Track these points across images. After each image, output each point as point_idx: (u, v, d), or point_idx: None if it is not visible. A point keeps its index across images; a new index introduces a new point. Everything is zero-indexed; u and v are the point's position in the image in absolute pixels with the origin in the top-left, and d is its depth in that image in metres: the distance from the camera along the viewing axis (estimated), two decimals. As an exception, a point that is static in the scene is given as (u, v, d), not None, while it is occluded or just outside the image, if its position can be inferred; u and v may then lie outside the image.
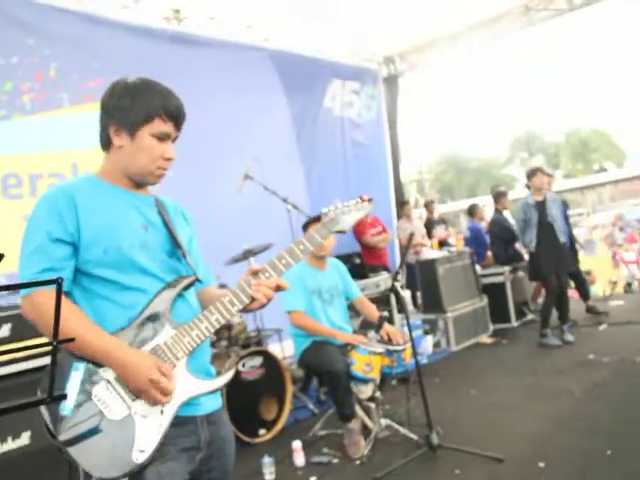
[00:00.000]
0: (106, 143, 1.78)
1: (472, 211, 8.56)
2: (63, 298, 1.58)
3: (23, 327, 3.47)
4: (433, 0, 7.77)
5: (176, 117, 1.77)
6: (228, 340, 4.60)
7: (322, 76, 8.37)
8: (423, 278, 7.04)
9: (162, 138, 1.74)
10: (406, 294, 7.99)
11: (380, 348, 3.80)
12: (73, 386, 1.52)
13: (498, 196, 8.11)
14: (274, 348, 5.22)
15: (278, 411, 4.40)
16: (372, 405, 4.00)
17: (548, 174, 7.16)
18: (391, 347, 3.83)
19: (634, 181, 29.62)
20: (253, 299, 1.74)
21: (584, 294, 7.20)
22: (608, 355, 5.36)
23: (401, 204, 9.17)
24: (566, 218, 7.08)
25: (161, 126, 1.73)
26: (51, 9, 5.53)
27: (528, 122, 46.00)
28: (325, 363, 3.79)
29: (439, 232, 9.14)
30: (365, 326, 4.91)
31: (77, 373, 1.54)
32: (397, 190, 9.69)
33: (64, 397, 1.44)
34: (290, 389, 4.46)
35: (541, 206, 6.28)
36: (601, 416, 3.89)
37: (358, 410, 3.95)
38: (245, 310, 1.77)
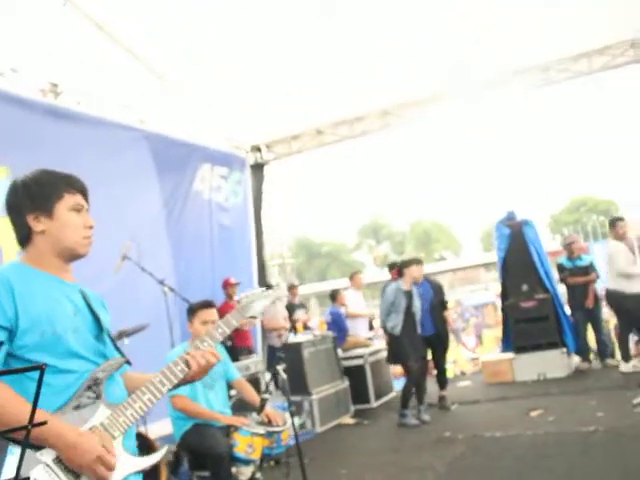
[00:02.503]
0: (25, 237, 1.85)
1: (334, 296, 8.97)
2: (3, 385, 1.60)
3: None
4: (297, 98, 8.38)
5: (81, 189, 1.92)
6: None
7: (193, 160, 8.55)
8: (289, 361, 7.19)
9: (78, 209, 1.88)
10: (267, 377, 8.10)
11: (262, 430, 3.90)
12: (10, 471, 1.52)
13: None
14: (140, 430, 5.09)
15: (152, 498, 4.28)
16: (252, 487, 4.04)
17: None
18: (272, 429, 3.94)
19: (469, 269, 32.32)
20: (189, 366, 1.87)
21: (441, 383, 7.39)
22: (462, 432, 5.81)
23: (266, 287, 9.36)
24: (442, 302, 7.46)
25: (72, 199, 1.87)
26: None
27: (376, 211, 48.99)
28: (208, 445, 3.80)
29: (300, 315, 9.42)
30: (240, 407, 4.96)
31: (13, 457, 1.54)
32: (260, 273, 9.92)
33: None
34: (165, 473, 4.38)
35: (409, 295, 6.73)
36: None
37: (238, 493, 3.97)
38: (183, 382, 1.89)
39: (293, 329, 8.36)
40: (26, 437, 1.21)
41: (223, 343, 6.34)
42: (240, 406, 4.93)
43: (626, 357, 7.45)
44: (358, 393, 7.72)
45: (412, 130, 11.85)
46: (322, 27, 7.10)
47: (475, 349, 13.92)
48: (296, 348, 7.08)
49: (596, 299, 8.25)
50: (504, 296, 8.82)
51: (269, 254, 10.69)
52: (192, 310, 4.26)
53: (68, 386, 1.71)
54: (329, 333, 8.08)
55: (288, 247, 11.51)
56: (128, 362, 1.89)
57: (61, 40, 6.31)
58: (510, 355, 8.42)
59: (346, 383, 7.62)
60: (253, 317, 2.18)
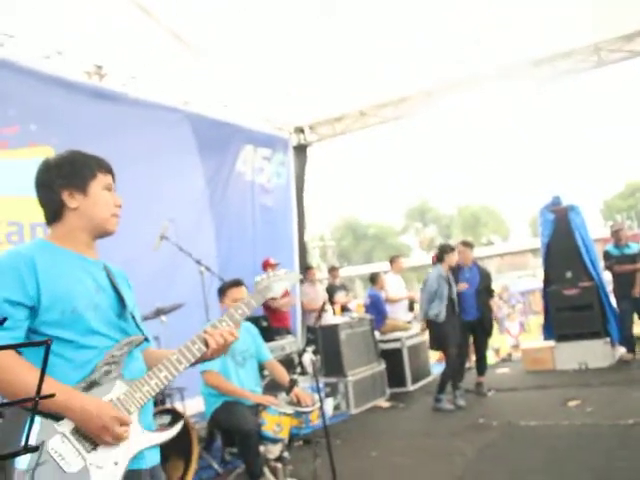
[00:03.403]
0: (55, 213, 1.92)
1: (374, 279, 8.96)
2: (17, 357, 1.68)
3: None
4: (341, 80, 8.33)
5: (111, 170, 2.01)
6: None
7: (236, 141, 8.63)
8: (325, 342, 7.26)
9: (109, 189, 1.97)
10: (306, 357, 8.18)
11: (290, 410, 3.95)
12: (30, 439, 1.59)
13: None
14: (177, 407, 5.23)
15: (184, 470, 4.41)
16: (279, 465, 4.11)
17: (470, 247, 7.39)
18: (300, 409, 3.98)
19: (517, 255, 31.76)
20: (207, 346, 1.91)
21: (480, 369, 7.34)
22: (496, 419, 5.76)
23: (305, 269, 9.45)
24: (488, 288, 7.33)
25: (104, 179, 1.96)
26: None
27: (422, 193, 48.62)
28: (237, 423, 3.88)
29: (340, 297, 9.45)
30: (271, 387, 5.03)
31: (34, 425, 1.61)
32: (301, 255, 9.97)
33: (36, 449, 1.51)
34: (197, 449, 4.49)
35: (448, 281, 6.69)
36: (493, 475, 4.20)
37: (265, 470, 4.05)
38: (201, 360, 1.94)
39: (331, 310, 8.41)
40: (34, 408, 1.27)
41: (258, 324, 6.45)
42: (272, 387, 5.01)
43: None
44: (395, 376, 7.74)
45: (458, 113, 11.60)
46: (364, 9, 7.02)
47: (519, 336, 13.72)
48: (333, 330, 7.12)
49: (644, 288, 7.99)
50: (547, 283, 8.66)
51: (311, 236, 10.73)
52: (223, 289, 4.33)
53: (88, 361, 1.77)
54: (366, 315, 8.10)
55: (331, 230, 11.52)
56: (147, 339, 1.95)
57: (106, 23, 6.40)
58: (551, 343, 8.28)
59: (382, 366, 7.64)
60: (273, 298, 2.21)
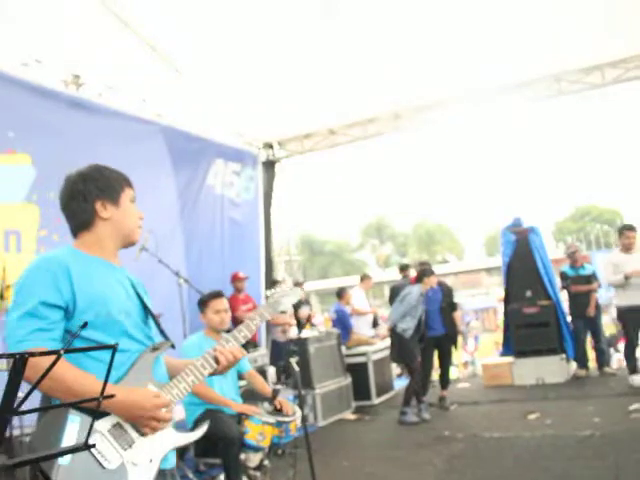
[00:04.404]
0: (85, 222, 2.03)
1: (340, 294, 9.13)
2: (63, 360, 1.78)
3: None
4: (311, 97, 8.53)
5: (132, 185, 2.16)
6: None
7: (207, 155, 8.72)
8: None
9: (133, 201, 2.12)
10: (271, 370, 8.28)
11: (272, 419, 4.07)
12: (70, 437, 1.69)
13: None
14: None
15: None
16: (258, 474, 4.21)
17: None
18: (282, 418, 4.10)
19: (471, 273, 32.48)
20: (218, 362, 2.04)
21: (443, 384, 7.55)
22: (461, 431, 5.99)
23: (272, 283, 9.55)
24: (451, 304, 7.57)
25: (130, 192, 2.12)
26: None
27: (379, 211, 49.25)
28: (221, 429, 3.97)
29: (304, 312, 9.59)
30: (247, 397, 5.13)
31: (73, 425, 1.71)
32: (268, 269, 10.09)
33: (91, 446, 1.61)
34: (176, 458, 4.54)
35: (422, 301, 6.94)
36: (461, 485, 4.40)
37: (244, 479, 4.14)
38: (214, 373, 2.05)
39: (299, 325, 8.53)
40: (97, 406, 1.38)
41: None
42: (248, 396, 5.11)
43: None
44: (360, 389, 7.90)
45: (421, 133, 11.98)
46: (337, 28, 7.23)
47: (474, 352, 14.11)
48: (303, 343, 7.24)
49: (597, 308, 8.39)
50: (507, 301, 8.99)
51: (277, 250, 10.85)
52: (204, 301, 4.42)
53: (122, 364, 1.88)
54: (334, 330, 8.26)
55: (295, 244, 11.65)
56: (173, 346, 2.07)
57: (85, 32, 6.48)
58: (510, 359, 8.59)
59: (349, 379, 7.80)
60: (283, 311, 2.36)
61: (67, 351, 1.32)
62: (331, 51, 7.65)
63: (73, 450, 1.38)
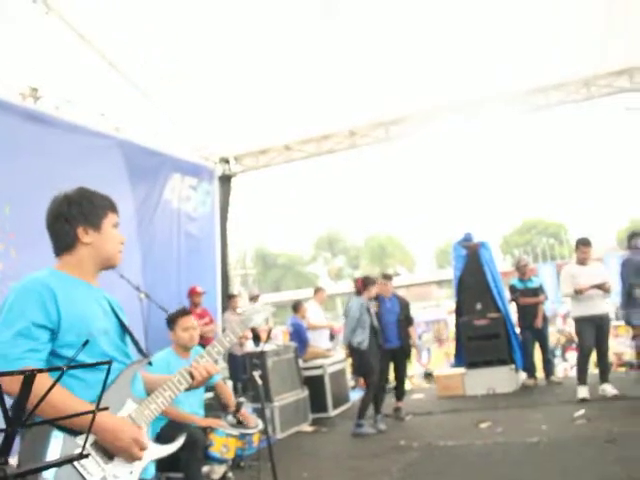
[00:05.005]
0: (68, 245, 2.11)
1: (296, 307, 9.24)
2: (44, 377, 1.85)
3: None
4: (267, 113, 8.68)
5: (117, 209, 2.26)
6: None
7: (164, 169, 8.73)
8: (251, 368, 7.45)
9: (115, 226, 2.20)
10: (229, 383, 8.32)
11: (236, 432, 4.15)
12: (55, 452, 1.77)
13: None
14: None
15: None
16: (223, 486, 4.29)
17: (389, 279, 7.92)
18: (245, 430, 4.19)
19: (422, 286, 33.03)
20: (193, 377, 2.14)
21: (399, 395, 7.74)
22: (416, 440, 6.17)
23: (228, 297, 9.61)
24: (408, 317, 7.74)
25: (114, 217, 2.20)
26: None
27: (331, 224, 49.66)
28: (186, 432, 4.01)
29: (262, 326, 9.65)
30: (212, 409, 5.19)
31: (57, 440, 1.79)
32: (224, 283, 10.13)
33: (86, 456, 1.68)
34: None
35: (368, 310, 7.07)
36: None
37: (210, 491, 4.21)
38: (189, 388, 2.15)
39: (256, 338, 8.60)
40: (92, 421, 1.47)
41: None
42: (212, 408, 5.18)
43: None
44: (317, 402, 8.03)
45: (374, 149, 12.27)
46: (292, 46, 7.42)
47: (428, 364, 14.39)
48: (261, 357, 7.30)
49: (544, 319, 8.75)
50: (458, 313, 9.27)
51: (232, 264, 10.91)
52: (172, 319, 4.49)
53: (99, 381, 1.95)
54: (291, 343, 8.37)
55: (250, 258, 11.72)
56: (150, 363, 2.16)
57: (42, 46, 6.50)
58: (462, 370, 8.85)
59: (306, 392, 7.91)
60: (254, 328, 2.48)
61: (69, 368, 1.42)
62: (285, 70, 7.83)
63: (70, 460, 1.47)
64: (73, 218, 2.09)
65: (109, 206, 2.19)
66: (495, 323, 8.65)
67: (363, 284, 7.23)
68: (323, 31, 7.21)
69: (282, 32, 7.12)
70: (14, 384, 1.77)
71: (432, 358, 16.41)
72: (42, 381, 1.75)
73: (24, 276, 2.25)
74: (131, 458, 1.89)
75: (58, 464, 1.48)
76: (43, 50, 6.54)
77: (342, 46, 7.48)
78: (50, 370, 1.35)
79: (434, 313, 27.70)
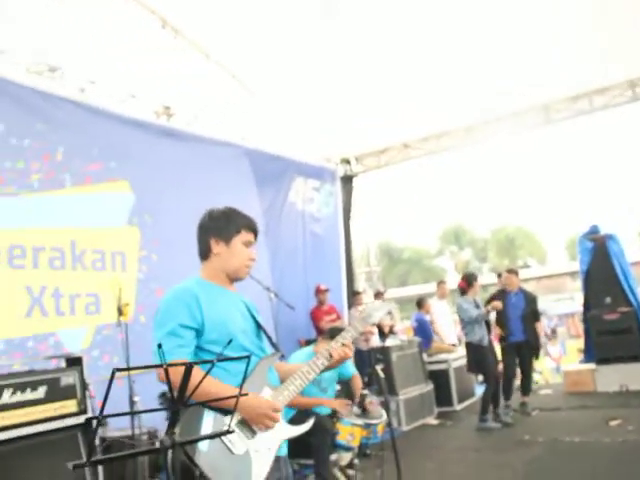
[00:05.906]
0: (204, 253, 2.49)
1: (420, 303, 9.42)
2: (197, 369, 2.22)
3: (55, 389, 3.96)
4: (386, 113, 8.89)
5: (255, 230, 2.54)
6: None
7: (288, 173, 9.24)
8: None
9: (247, 245, 2.49)
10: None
11: (360, 421, 4.44)
12: (207, 428, 2.12)
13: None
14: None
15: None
16: (352, 472, 4.59)
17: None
18: (369, 421, 4.47)
19: (554, 278, 31.74)
20: (331, 356, 2.43)
21: (524, 389, 7.69)
22: (541, 436, 6.15)
23: (353, 294, 9.94)
24: (534, 312, 7.63)
25: (246, 236, 2.49)
26: (58, 98, 6.05)
27: (457, 216, 48.80)
28: (316, 420, 4.34)
29: (385, 321, 9.89)
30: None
31: (209, 419, 2.14)
32: (349, 280, 10.47)
33: (232, 432, 2.02)
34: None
35: (478, 306, 7.17)
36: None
37: (340, 476, 4.53)
38: (327, 368, 2.47)
39: (381, 334, 8.85)
40: (236, 402, 1.80)
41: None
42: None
43: None
44: (442, 396, 8.18)
45: (497, 143, 12.11)
46: (412, 46, 7.58)
47: (560, 359, 13.97)
48: (385, 352, 7.58)
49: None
50: (586, 308, 9.01)
51: (357, 261, 11.25)
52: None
53: (240, 372, 2.29)
54: (415, 338, 8.57)
55: (374, 254, 11.99)
56: (283, 356, 2.48)
57: (172, 67, 7.16)
58: (592, 366, 8.61)
59: (430, 386, 8.07)
60: (374, 324, 2.73)
61: (219, 360, 1.76)
62: (405, 69, 8.00)
63: (219, 434, 1.82)
64: (209, 230, 2.45)
65: (244, 225, 2.48)
66: (626, 317, 8.34)
67: (466, 283, 7.29)
68: (448, 28, 7.30)
69: (400, 31, 7.27)
70: (175, 374, 2.16)
71: (566, 352, 15.91)
72: (195, 371, 2.13)
73: (164, 278, 2.67)
74: (270, 422, 2.20)
75: (210, 437, 1.81)
76: (173, 70, 7.20)
77: (460, 44, 7.53)
78: (203, 362, 1.67)
79: (568, 306, 26.60)
